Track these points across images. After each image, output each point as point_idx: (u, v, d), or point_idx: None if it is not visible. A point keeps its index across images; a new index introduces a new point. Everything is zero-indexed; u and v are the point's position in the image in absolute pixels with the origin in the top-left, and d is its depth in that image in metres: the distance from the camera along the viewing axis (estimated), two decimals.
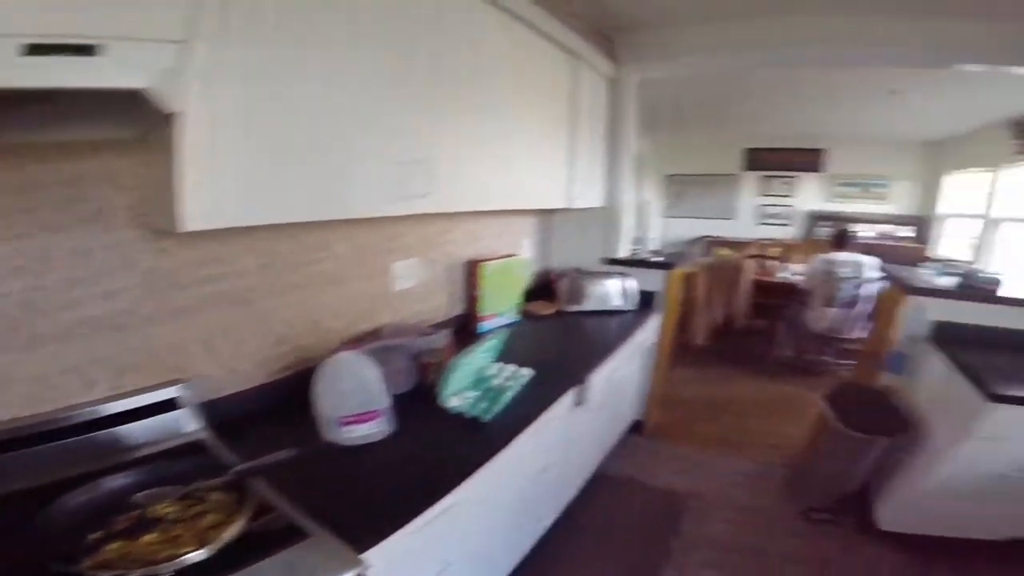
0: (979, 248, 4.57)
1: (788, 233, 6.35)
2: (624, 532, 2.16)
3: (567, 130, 2.23)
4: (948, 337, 2.17)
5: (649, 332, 2.65)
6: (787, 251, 5.46)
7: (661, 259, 2.85)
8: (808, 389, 3.37)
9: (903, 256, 3.84)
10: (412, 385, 1.49)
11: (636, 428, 2.90)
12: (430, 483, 1.09)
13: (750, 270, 4.30)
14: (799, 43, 2.35)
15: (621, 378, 2.38)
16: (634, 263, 2.79)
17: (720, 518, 2.25)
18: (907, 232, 5.69)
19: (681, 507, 2.32)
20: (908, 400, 2.22)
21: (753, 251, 5.28)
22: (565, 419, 1.73)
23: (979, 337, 2.13)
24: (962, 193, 5.16)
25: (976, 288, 2.25)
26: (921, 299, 2.26)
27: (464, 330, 2.05)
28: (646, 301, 2.64)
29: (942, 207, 5.54)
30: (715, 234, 6.50)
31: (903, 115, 4.53)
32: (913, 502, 2.03)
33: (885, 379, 2.41)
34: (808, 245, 5.37)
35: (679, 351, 3.81)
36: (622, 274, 2.62)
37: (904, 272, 2.53)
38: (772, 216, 6.50)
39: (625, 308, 2.55)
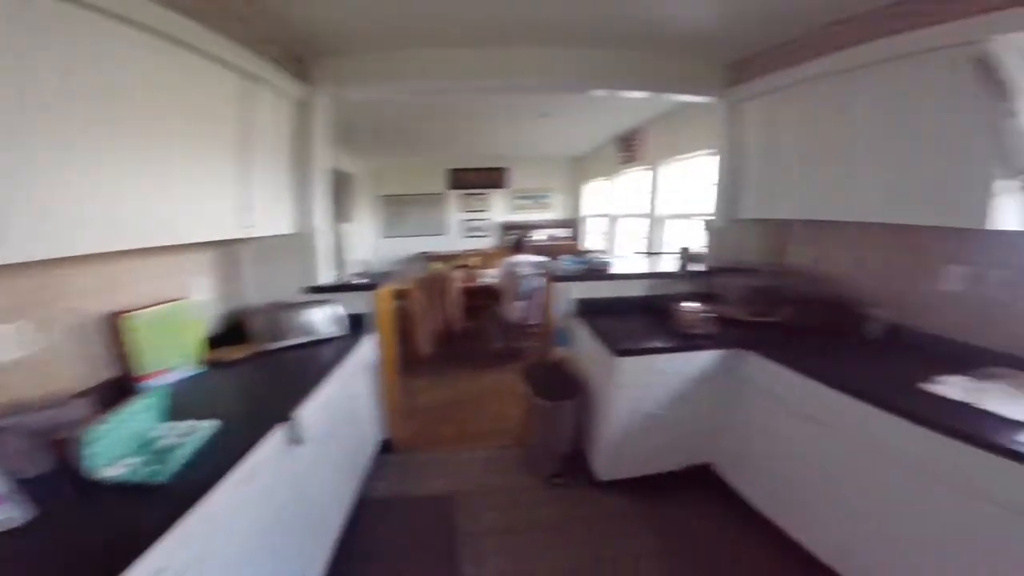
0: (608, 238, 5.98)
1: (487, 243, 7.19)
2: (413, 547, 2.09)
3: (237, 154, 1.95)
4: (587, 310, 2.70)
5: (366, 353, 2.57)
6: (486, 259, 6.14)
7: (366, 281, 2.78)
8: (519, 372, 3.81)
9: (564, 252, 4.64)
10: (50, 466, 1.21)
11: (387, 447, 2.81)
12: (99, 561, 0.90)
13: (457, 279, 4.65)
14: (471, 73, 2.57)
15: (347, 404, 2.23)
16: (339, 288, 2.65)
17: (486, 506, 2.36)
18: (566, 233, 7.11)
19: (452, 508, 2.34)
20: (577, 366, 2.67)
21: (459, 262, 5.77)
22: (282, 460, 1.53)
23: (605, 306, 2.71)
24: (595, 198, 6.66)
25: (594, 269, 2.88)
26: (563, 284, 2.76)
27: (121, 394, 1.58)
28: (357, 324, 2.55)
29: (584, 210, 7.09)
30: (431, 250, 6.88)
31: (554, 136, 5.48)
32: (609, 451, 2.33)
33: (559, 352, 2.86)
34: (501, 252, 6.12)
35: (409, 363, 3.85)
36: (326, 301, 2.46)
37: (552, 264, 3.09)
38: (474, 229, 7.24)
39: (334, 335, 2.40)
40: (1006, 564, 1.27)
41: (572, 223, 7.27)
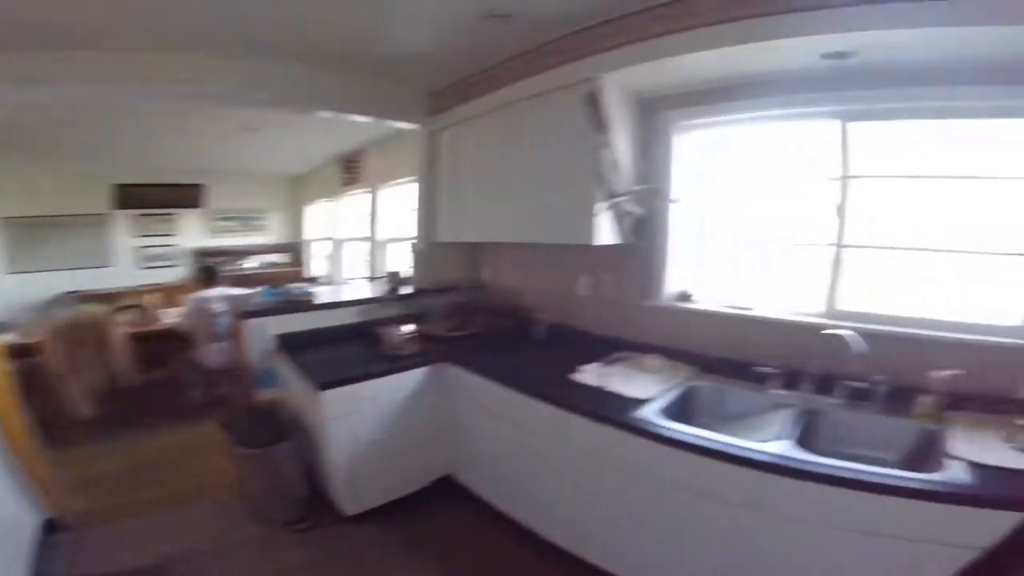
0: (334, 263, 6.02)
1: (177, 274, 6.31)
2: None
3: None
4: (291, 345, 2.70)
5: None
6: (170, 294, 5.41)
7: None
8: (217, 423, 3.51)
9: (283, 280, 4.47)
10: None
11: (53, 527, 2.34)
12: None
13: (122, 323, 4.01)
14: (130, 80, 2.40)
15: None
16: None
17: (219, 568, 2.21)
18: (286, 258, 6.85)
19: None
20: (289, 405, 2.66)
21: (128, 301, 4.94)
22: None
23: (312, 339, 2.77)
24: (319, 219, 6.60)
25: (294, 301, 2.92)
26: (257, 320, 2.72)
27: None
28: None
29: (308, 233, 6.95)
30: (89, 287, 5.63)
31: (267, 151, 5.25)
32: (346, 484, 2.37)
33: (266, 394, 2.78)
34: (192, 285, 5.48)
35: (63, 430, 3.33)
36: None
37: (243, 299, 3.00)
38: (156, 258, 6.25)
39: None
40: (636, 507, 1.84)
41: (295, 247, 7.04)
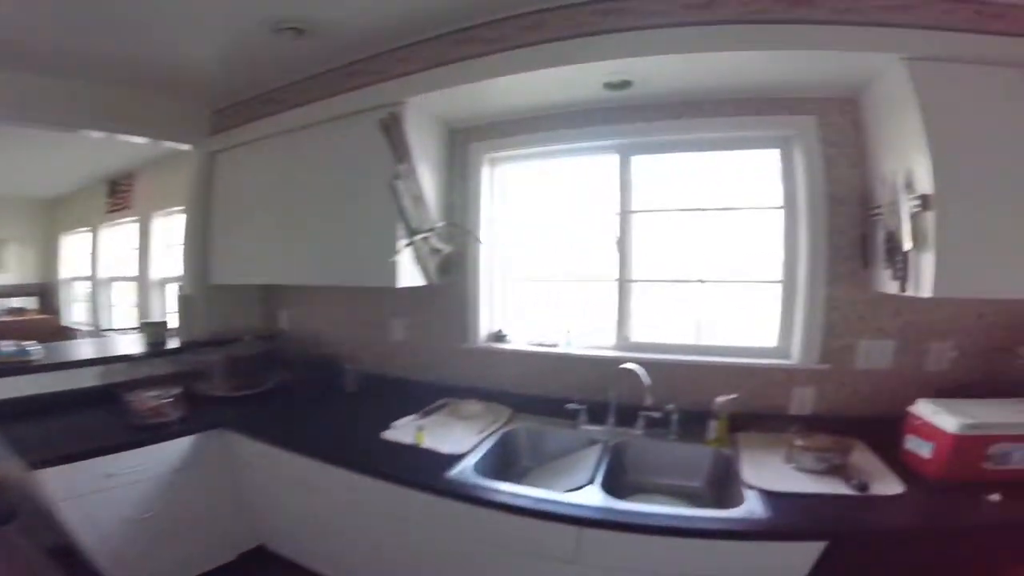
0: (95, 308, 5.02)
1: None
2: None
3: None
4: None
5: None
6: None
7: None
8: None
9: (31, 331, 3.61)
10: None
11: None
12: None
13: None
14: None
15: None
16: None
17: None
18: (32, 303, 5.62)
19: None
20: (9, 482, 1.90)
21: None
22: None
23: (28, 407, 2.19)
24: (81, 254, 5.46)
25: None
26: None
27: None
28: None
29: (65, 271, 5.74)
30: None
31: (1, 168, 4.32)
32: (117, 565, 1.88)
33: None
34: None
35: None
36: None
37: None
38: None
39: None
40: (459, 566, 1.68)
41: (46, 289, 5.81)
